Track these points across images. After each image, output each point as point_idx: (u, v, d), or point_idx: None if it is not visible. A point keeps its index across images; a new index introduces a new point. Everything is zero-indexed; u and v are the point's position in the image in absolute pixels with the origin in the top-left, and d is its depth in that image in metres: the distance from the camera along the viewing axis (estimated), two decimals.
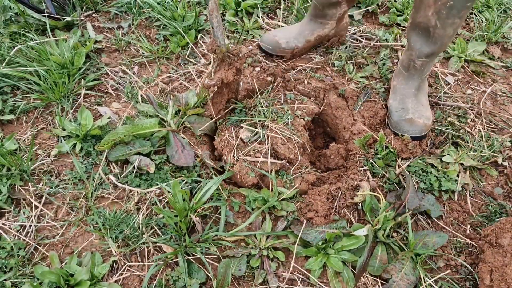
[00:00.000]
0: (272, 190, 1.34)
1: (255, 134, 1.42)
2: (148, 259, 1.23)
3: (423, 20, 1.37)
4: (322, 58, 1.81)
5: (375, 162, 1.46)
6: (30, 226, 1.26)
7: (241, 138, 1.41)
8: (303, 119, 1.53)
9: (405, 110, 1.53)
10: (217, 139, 1.46)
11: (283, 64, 1.76)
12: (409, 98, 1.55)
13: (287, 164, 1.41)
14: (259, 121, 1.44)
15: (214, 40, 1.31)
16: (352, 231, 1.27)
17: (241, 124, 1.44)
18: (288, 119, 1.48)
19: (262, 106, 1.48)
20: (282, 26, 1.92)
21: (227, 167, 1.39)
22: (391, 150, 1.46)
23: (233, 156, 1.39)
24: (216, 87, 1.37)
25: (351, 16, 2.06)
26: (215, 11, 1.23)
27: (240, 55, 1.36)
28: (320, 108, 1.63)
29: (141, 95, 1.60)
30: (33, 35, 1.65)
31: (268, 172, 1.36)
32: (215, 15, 1.24)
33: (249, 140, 1.41)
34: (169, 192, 1.31)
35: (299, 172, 1.42)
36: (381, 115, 1.61)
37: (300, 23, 1.78)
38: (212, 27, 1.27)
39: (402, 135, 1.50)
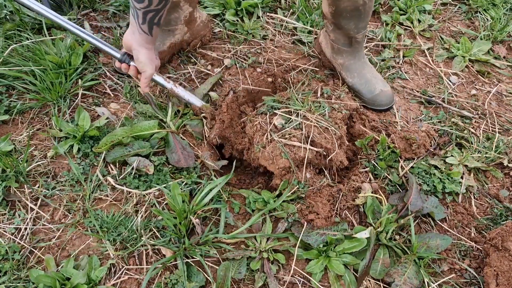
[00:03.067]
0: (276, 191, 1.32)
1: (289, 122, 1.36)
2: (146, 262, 1.21)
3: (349, 4, 1.34)
4: None
5: (377, 163, 1.44)
6: (26, 228, 1.23)
7: (274, 124, 1.36)
8: (341, 112, 1.46)
9: (368, 82, 1.57)
10: (248, 124, 1.42)
11: (283, 64, 1.73)
12: (364, 69, 1.58)
13: (324, 153, 1.36)
14: (294, 109, 1.37)
15: (194, 106, 1.49)
16: (354, 234, 1.25)
17: (275, 111, 1.38)
18: (325, 110, 1.42)
19: (297, 99, 1.41)
20: None
21: (258, 148, 1.34)
22: (394, 150, 1.44)
23: (267, 138, 1.33)
24: (217, 137, 1.44)
25: None
26: (175, 91, 1.45)
27: (227, 100, 1.47)
28: (358, 104, 1.58)
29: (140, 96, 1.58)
30: (28, 34, 1.63)
31: (304, 159, 1.31)
32: (180, 92, 1.45)
33: (283, 127, 1.36)
34: (168, 194, 1.29)
35: (315, 183, 1.36)
36: None
37: None
38: (184, 100, 1.48)
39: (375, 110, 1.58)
